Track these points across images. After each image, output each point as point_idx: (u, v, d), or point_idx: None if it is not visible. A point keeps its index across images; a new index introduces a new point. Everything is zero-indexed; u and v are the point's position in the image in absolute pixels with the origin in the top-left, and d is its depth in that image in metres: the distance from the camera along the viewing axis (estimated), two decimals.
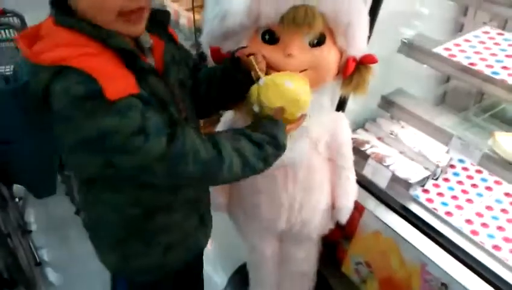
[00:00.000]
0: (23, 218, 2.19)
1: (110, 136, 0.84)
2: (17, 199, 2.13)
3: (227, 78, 1.09)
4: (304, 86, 1.06)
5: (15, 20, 2.27)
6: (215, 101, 1.16)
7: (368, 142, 1.76)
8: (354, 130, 1.82)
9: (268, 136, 1.01)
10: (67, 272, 2.10)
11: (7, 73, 2.09)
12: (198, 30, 2.66)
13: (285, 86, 1.02)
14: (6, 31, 2.34)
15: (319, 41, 1.10)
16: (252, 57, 1.04)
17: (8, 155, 1.62)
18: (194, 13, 2.60)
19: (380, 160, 1.65)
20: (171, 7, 3.02)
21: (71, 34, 0.86)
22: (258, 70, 1.03)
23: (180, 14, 2.93)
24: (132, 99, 0.85)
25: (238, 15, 1.02)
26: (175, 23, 3.07)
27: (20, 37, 0.89)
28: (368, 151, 1.70)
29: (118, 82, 0.85)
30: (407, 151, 1.70)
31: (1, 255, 1.78)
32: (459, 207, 1.56)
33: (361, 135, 1.81)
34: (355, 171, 1.44)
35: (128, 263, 1.13)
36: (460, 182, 1.68)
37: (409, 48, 1.64)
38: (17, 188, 2.04)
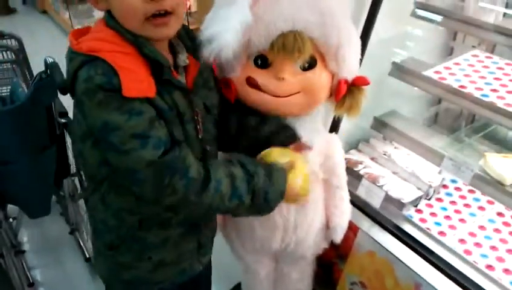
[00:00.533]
0: (16, 238, 2.17)
1: (111, 131, 0.89)
2: (10, 219, 2.13)
3: None
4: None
5: (13, 43, 2.30)
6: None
7: (361, 163, 1.78)
8: (347, 151, 1.84)
9: (264, 170, 1.06)
10: None
11: (3, 94, 2.11)
12: None
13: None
14: (4, 53, 2.36)
15: (310, 65, 1.13)
16: None
17: (3, 176, 1.63)
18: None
19: (373, 180, 1.66)
20: None
21: (114, 34, 0.93)
22: None
23: None
24: (146, 106, 0.91)
25: (232, 49, 1.04)
26: None
27: (72, 33, 0.98)
28: (362, 172, 1.72)
29: (138, 83, 0.91)
30: (400, 172, 1.72)
31: None
32: (452, 227, 1.58)
33: (355, 155, 1.83)
34: (349, 191, 1.45)
35: (119, 272, 1.14)
36: (453, 202, 1.70)
37: (400, 71, 1.68)
38: (11, 207, 2.03)
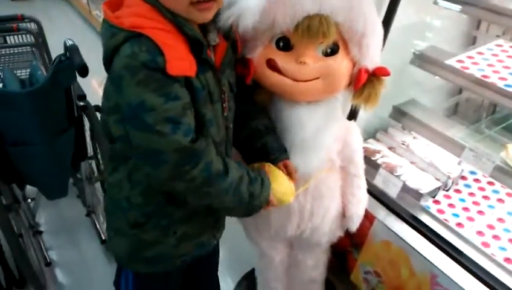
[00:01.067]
0: (34, 219, 2.21)
1: (147, 111, 0.90)
2: (29, 200, 2.16)
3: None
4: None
5: (32, 26, 2.32)
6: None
7: (379, 152, 1.76)
8: (365, 140, 1.82)
9: (261, 180, 1.10)
10: (77, 273, 2.11)
11: (23, 77, 2.13)
12: None
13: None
14: (24, 36, 2.38)
15: (333, 51, 1.12)
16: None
17: (22, 157, 1.65)
18: None
19: (391, 170, 1.65)
20: None
21: (151, 9, 0.93)
22: None
23: None
24: (183, 91, 0.92)
25: (252, 17, 1.04)
26: None
27: (105, 3, 0.96)
28: (379, 161, 1.70)
29: (181, 62, 0.91)
30: (418, 162, 1.70)
31: (12, 254, 1.80)
32: (470, 219, 1.55)
33: (373, 144, 1.81)
34: (366, 180, 1.44)
35: (142, 251, 1.14)
36: (471, 194, 1.67)
37: (421, 60, 1.65)
38: (29, 188, 2.06)
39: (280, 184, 1.16)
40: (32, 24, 2.34)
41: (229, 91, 1.10)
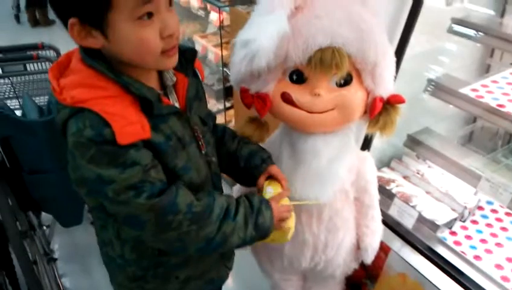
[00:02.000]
0: (49, 246, 2.22)
1: (105, 185, 0.87)
2: (44, 227, 2.17)
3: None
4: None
5: (51, 53, 2.38)
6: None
7: (393, 181, 1.74)
8: (379, 169, 1.81)
9: (248, 202, 1.05)
10: None
11: (41, 104, 2.17)
12: (225, 65, 2.72)
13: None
14: (43, 63, 2.44)
15: (346, 81, 1.12)
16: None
17: (38, 184, 1.67)
18: (221, 49, 2.67)
19: (406, 200, 1.63)
20: (200, 42, 3.11)
21: (94, 74, 0.88)
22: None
23: (208, 49, 3.01)
24: (140, 153, 0.88)
25: (266, 56, 1.04)
26: (203, 58, 3.15)
27: (51, 69, 0.92)
28: (394, 191, 1.69)
29: (131, 127, 0.87)
30: (433, 192, 1.68)
31: (26, 281, 1.81)
32: (488, 251, 1.52)
33: (387, 173, 1.80)
34: (381, 210, 1.42)
35: None
36: (489, 225, 1.64)
37: (435, 88, 1.65)
38: (45, 215, 2.08)
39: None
40: (51, 52, 2.40)
41: (201, 126, 1.07)
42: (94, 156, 0.85)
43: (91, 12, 0.82)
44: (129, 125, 0.86)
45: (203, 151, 1.06)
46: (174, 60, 0.93)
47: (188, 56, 1.04)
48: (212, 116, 1.23)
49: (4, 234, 1.72)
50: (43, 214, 2.05)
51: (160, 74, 1.00)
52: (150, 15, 0.84)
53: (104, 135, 0.84)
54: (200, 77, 1.11)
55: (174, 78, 1.02)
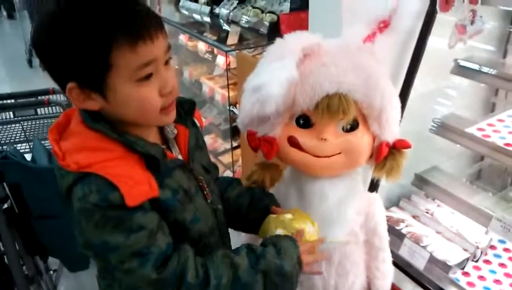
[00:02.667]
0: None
1: (110, 251, 0.85)
2: (51, 271, 2.16)
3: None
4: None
5: (62, 98, 2.43)
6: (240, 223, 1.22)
7: (403, 221, 1.72)
8: (388, 208, 1.80)
9: (273, 246, 0.99)
10: None
11: (51, 147, 2.19)
12: (232, 105, 2.76)
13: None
14: (54, 108, 2.50)
15: (353, 127, 1.13)
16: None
17: (46, 230, 1.67)
18: (228, 90, 2.71)
19: (416, 240, 1.60)
20: (207, 84, 3.17)
21: (96, 136, 0.87)
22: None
23: (215, 90, 3.07)
24: (148, 215, 0.87)
25: (275, 102, 1.06)
26: (210, 99, 3.20)
27: (51, 131, 0.91)
28: (404, 231, 1.67)
29: (141, 186, 0.86)
30: (444, 231, 1.66)
31: None
32: None
33: (396, 213, 1.78)
34: (391, 251, 1.40)
35: None
36: (502, 265, 1.60)
37: (442, 128, 1.65)
38: (52, 260, 2.07)
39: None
40: (62, 96, 2.45)
41: (205, 175, 1.06)
42: (99, 222, 0.83)
43: (90, 76, 0.82)
44: (137, 185, 0.85)
45: (209, 200, 1.05)
46: (172, 115, 0.93)
47: (186, 108, 1.05)
48: (214, 166, 1.22)
49: (11, 279, 1.71)
50: (50, 258, 2.03)
51: (161, 127, 1.01)
52: (149, 75, 0.84)
53: (111, 200, 0.82)
54: (200, 126, 1.12)
55: (175, 131, 1.02)
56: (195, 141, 1.06)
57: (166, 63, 0.89)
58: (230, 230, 1.20)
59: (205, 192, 1.04)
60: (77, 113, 0.91)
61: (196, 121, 1.10)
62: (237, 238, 1.25)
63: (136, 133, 0.91)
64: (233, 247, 1.13)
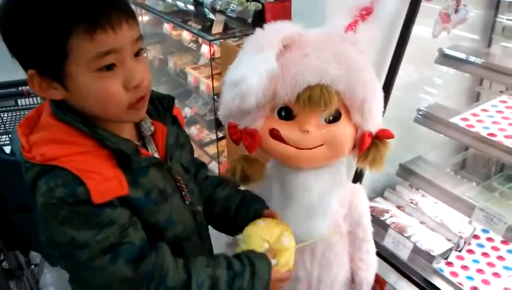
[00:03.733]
0: (37, 284, 2.16)
1: (79, 249, 0.81)
2: (32, 266, 2.12)
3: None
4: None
5: None
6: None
7: (387, 211, 1.72)
8: (372, 199, 1.80)
9: (250, 266, 0.96)
10: None
11: None
12: (216, 95, 2.73)
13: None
14: (34, 98, 2.45)
15: (335, 118, 1.12)
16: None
17: (25, 223, 1.64)
18: (212, 80, 2.68)
19: (400, 230, 1.60)
20: (192, 74, 3.13)
21: (66, 129, 0.83)
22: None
23: (200, 80, 3.04)
24: (117, 211, 0.83)
25: (255, 96, 1.04)
26: (195, 89, 3.17)
27: (20, 126, 0.87)
28: (388, 221, 1.67)
29: (109, 183, 0.82)
30: (428, 222, 1.66)
31: None
32: (485, 282, 1.49)
33: (381, 203, 1.78)
34: (375, 241, 1.40)
35: None
36: (485, 254, 1.61)
37: (426, 118, 1.65)
38: (34, 254, 2.03)
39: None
40: None
41: (184, 175, 1.02)
42: (66, 218, 0.79)
43: (47, 63, 0.78)
44: (105, 182, 0.81)
45: (187, 202, 1.01)
46: (142, 112, 0.89)
47: (165, 104, 1.01)
48: (202, 164, 1.20)
49: None
50: (32, 252, 2.00)
51: (137, 124, 0.97)
52: (111, 66, 0.80)
53: (78, 195, 0.78)
54: (180, 124, 1.08)
55: (152, 128, 0.98)
56: (174, 139, 1.02)
57: (137, 54, 0.84)
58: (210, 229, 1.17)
59: (183, 193, 1.00)
60: (47, 106, 0.88)
61: (177, 118, 1.07)
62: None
63: (109, 129, 0.87)
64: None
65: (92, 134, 0.83)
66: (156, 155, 0.98)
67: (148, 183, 0.89)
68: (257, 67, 1.02)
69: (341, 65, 1.06)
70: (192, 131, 3.36)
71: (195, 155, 1.21)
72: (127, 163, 0.86)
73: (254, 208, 1.16)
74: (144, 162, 0.89)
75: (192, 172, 1.10)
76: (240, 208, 1.17)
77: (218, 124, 2.94)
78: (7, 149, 1.84)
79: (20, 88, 2.29)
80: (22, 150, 0.83)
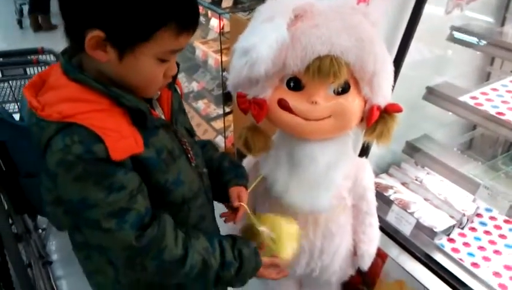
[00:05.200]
0: (44, 249, 2.21)
1: (88, 208, 0.82)
2: (40, 230, 2.16)
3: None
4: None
5: (51, 58, 2.38)
6: None
7: (391, 188, 1.73)
8: (377, 175, 1.81)
9: (238, 263, 1.01)
10: None
11: None
12: (224, 70, 2.72)
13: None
14: (43, 67, 2.44)
15: (344, 90, 1.12)
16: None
17: (34, 188, 1.66)
18: (221, 55, 2.67)
19: (404, 206, 1.62)
20: (200, 48, 3.11)
21: (80, 88, 0.83)
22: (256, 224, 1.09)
23: (209, 55, 3.02)
24: (129, 175, 0.84)
25: (265, 64, 1.04)
26: (203, 64, 3.15)
27: (27, 88, 0.86)
28: (392, 197, 1.68)
29: (126, 141, 0.83)
30: (432, 199, 1.67)
31: (20, 284, 1.80)
32: (486, 259, 1.51)
33: (386, 179, 1.79)
34: (378, 216, 1.42)
35: None
36: (487, 232, 1.63)
37: (434, 95, 1.64)
38: (41, 218, 2.07)
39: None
40: (51, 56, 2.40)
41: (189, 138, 1.04)
42: (80, 175, 0.80)
43: (127, 36, 0.80)
44: (122, 139, 0.82)
45: (193, 164, 1.02)
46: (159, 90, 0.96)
47: None
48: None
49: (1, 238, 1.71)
50: (39, 217, 2.04)
51: None
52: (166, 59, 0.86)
53: (95, 152, 0.79)
54: (180, 93, 1.09)
55: (159, 92, 0.99)
56: (178, 105, 1.05)
57: None
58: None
59: (189, 155, 1.01)
60: (57, 67, 0.88)
61: (177, 87, 1.08)
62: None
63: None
64: None
65: (107, 92, 0.84)
66: (163, 117, 0.99)
67: (159, 143, 0.91)
68: (267, 36, 1.02)
69: (352, 37, 1.06)
70: (200, 105, 3.36)
71: (201, 129, 1.21)
72: (141, 122, 0.87)
73: (225, 179, 1.16)
74: (156, 122, 0.92)
75: (194, 135, 1.12)
76: (216, 174, 1.16)
77: (225, 99, 2.93)
78: (16, 117, 1.85)
79: (29, 57, 2.30)
80: (34, 111, 0.82)
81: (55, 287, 2.14)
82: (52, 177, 0.83)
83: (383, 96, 1.15)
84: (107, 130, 0.80)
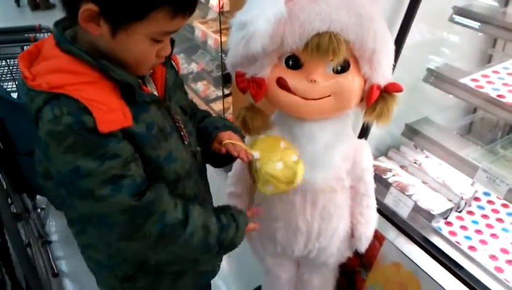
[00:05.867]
0: (43, 228, 2.22)
1: (81, 178, 0.82)
2: (39, 210, 2.17)
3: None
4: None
5: (47, 36, 2.35)
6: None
7: (390, 171, 1.73)
8: (376, 158, 1.80)
9: (236, 225, 1.04)
10: (84, 284, 2.11)
11: None
12: (224, 51, 2.70)
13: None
14: None
15: (343, 68, 1.10)
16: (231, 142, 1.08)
17: (32, 167, 1.66)
18: (221, 35, 2.64)
19: (402, 189, 1.61)
20: (200, 28, 3.08)
21: (71, 59, 0.83)
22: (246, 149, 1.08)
23: (208, 35, 2.99)
24: (122, 145, 0.84)
25: (262, 39, 1.03)
26: (202, 44, 3.12)
27: (21, 58, 0.86)
28: (390, 180, 1.67)
29: (114, 114, 0.83)
30: (430, 182, 1.67)
31: (20, 263, 1.81)
32: (483, 242, 1.51)
33: (384, 162, 1.79)
34: (376, 199, 1.41)
35: None
36: (485, 216, 1.63)
37: (435, 77, 1.63)
38: (40, 198, 2.07)
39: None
40: (49, 34, 2.37)
41: (182, 116, 1.03)
42: (72, 145, 0.79)
43: (121, 14, 0.79)
44: (110, 112, 0.82)
45: (186, 142, 1.01)
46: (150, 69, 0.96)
47: None
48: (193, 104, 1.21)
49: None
50: (38, 196, 2.04)
51: None
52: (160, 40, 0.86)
53: (84, 122, 0.79)
54: (177, 69, 1.08)
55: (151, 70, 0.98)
56: (173, 82, 1.03)
57: None
58: None
59: (182, 133, 1.01)
60: (50, 38, 0.88)
61: (174, 63, 1.07)
62: None
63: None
64: None
65: (97, 65, 0.83)
66: (155, 94, 0.98)
67: (149, 118, 0.90)
68: (265, 11, 1.01)
69: (351, 13, 1.04)
70: (199, 87, 3.34)
71: None
72: (130, 96, 0.87)
73: (216, 126, 1.16)
74: (147, 97, 0.91)
75: (189, 114, 1.10)
76: (208, 128, 1.16)
77: (225, 81, 2.91)
78: (14, 95, 1.84)
79: (26, 35, 2.27)
80: (25, 80, 0.82)
81: (54, 266, 2.16)
82: (42, 148, 0.83)
83: (383, 75, 1.13)
84: (95, 102, 0.80)
